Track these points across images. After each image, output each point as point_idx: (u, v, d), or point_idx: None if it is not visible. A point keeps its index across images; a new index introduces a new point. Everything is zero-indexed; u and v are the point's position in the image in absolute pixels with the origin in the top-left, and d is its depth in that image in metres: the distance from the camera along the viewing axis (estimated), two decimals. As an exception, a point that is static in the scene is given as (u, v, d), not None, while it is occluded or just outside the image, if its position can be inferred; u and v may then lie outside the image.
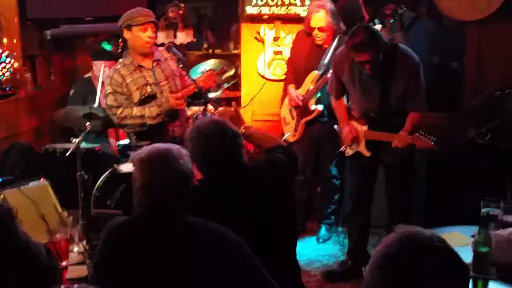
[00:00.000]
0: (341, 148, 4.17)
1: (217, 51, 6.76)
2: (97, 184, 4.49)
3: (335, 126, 4.23)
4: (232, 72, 5.54)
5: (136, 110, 3.91)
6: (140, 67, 3.97)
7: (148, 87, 3.95)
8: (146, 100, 3.94)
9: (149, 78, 3.97)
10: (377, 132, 3.97)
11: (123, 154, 4.81)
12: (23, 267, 1.85)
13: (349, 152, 4.14)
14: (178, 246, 2.00)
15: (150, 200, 2.07)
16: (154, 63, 4.02)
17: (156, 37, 4.06)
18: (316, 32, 4.55)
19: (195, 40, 6.24)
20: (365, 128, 4.02)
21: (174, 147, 2.17)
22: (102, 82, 4.83)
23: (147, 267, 1.99)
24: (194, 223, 2.06)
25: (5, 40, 5.24)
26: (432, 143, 3.69)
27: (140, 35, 3.90)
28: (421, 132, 3.75)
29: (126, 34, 3.94)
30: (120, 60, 4.06)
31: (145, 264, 2.00)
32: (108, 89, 3.95)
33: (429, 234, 1.30)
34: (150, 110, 3.91)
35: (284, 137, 4.69)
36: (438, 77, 5.22)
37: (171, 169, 2.08)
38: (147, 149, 2.16)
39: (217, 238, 2.04)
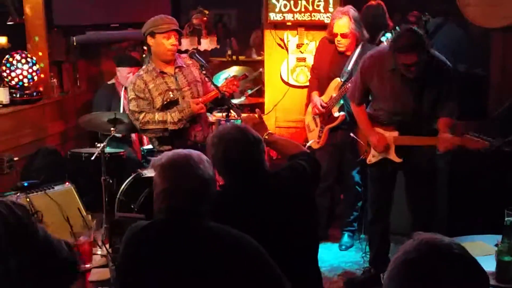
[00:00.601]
0: (362, 156, 4.14)
1: (241, 57, 6.80)
2: (122, 188, 4.54)
3: (352, 134, 4.22)
4: (257, 74, 5.57)
5: (158, 116, 3.96)
6: (162, 73, 4.02)
7: (170, 92, 3.99)
8: (168, 105, 4.00)
9: (171, 84, 4.02)
10: (409, 137, 3.94)
11: (147, 159, 4.85)
12: (42, 262, 1.89)
13: (372, 160, 4.10)
14: (196, 251, 2.00)
15: (170, 206, 2.08)
16: (177, 69, 4.07)
17: (179, 44, 4.11)
18: (338, 38, 4.56)
19: (218, 46, 6.28)
20: (395, 133, 3.97)
21: (194, 152, 2.18)
22: (125, 88, 4.89)
23: (165, 272, 1.99)
24: (214, 229, 2.07)
25: (32, 47, 5.34)
26: (487, 142, 3.63)
27: (163, 42, 3.95)
28: (471, 133, 3.73)
29: (150, 41, 4.00)
30: (143, 67, 4.13)
31: (163, 269, 2.00)
32: (131, 94, 4.02)
33: (449, 241, 1.30)
34: (172, 116, 3.95)
35: (308, 144, 4.69)
36: (463, 84, 5.16)
37: (191, 175, 2.09)
38: (167, 154, 2.17)
39: (236, 244, 2.04)
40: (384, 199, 4.20)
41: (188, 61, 4.15)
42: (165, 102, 3.98)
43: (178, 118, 3.95)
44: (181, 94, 4.04)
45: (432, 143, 3.87)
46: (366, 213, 4.54)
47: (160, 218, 2.11)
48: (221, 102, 4.15)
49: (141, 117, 3.97)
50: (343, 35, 4.54)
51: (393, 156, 4.00)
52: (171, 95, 3.99)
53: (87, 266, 2.85)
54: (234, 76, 4.41)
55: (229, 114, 4.31)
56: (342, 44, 4.57)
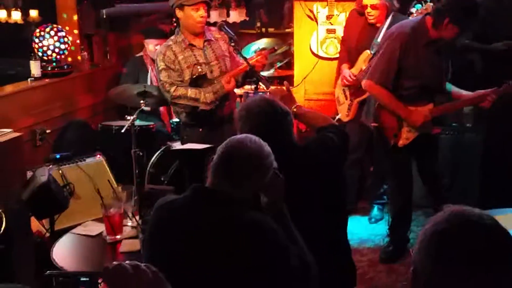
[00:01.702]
0: (393, 141, 4.01)
1: (270, 29, 6.73)
2: (151, 161, 4.58)
3: (373, 124, 4.11)
4: (286, 48, 5.53)
5: (191, 92, 3.94)
6: (191, 45, 4.01)
7: (199, 67, 3.98)
8: (196, 80, 3.97)
9: (199, 58, 4.00)
10: (444, 106, 3.98)
11: (176, 131, 4.88)
12: None
13: (405, 142, 3.99)
14: (214, 231, 2.00)
15: (210, 181, 2.08)
16: (205, 43, 4.05)
17: (208, 16, 4.09)
18: (368, 10, 4.48)
19: (248, 19, 6.23)
20: (430, 106, 3.92)
21: (256, 139, 2.12)
22: (153, 60, 4.89)
23: (185, 248, 2.01)
24: (235, 211, 2.04)
25: (63, 20, 5.37)
26: None
27: (192, 15, 3.93)
28: (506, 81, 3.78)
29: (178, 13, 3.97)
30: (171, 37, 4.10)
31: (183, 244, 2.02)
32: (161, 65, 4.00)
33: (479, 213, 1.28)
34: (206, 96, 3.92)
35: (337, 117, 4.66)
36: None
37: (235, 155, 2.06)
38: (234, 137, 2.14)
39: (254, 227, 2.01)
40: (411, 181, 4.21)
41: (217, 35, 4.12)
42: (193, 76, 3.97)
43: (211, 99, 3.93)
44: (209, 68, 4.02)
45: (468, 104, 3.92)
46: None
47: (186, 194, 2.12)
48: (250, 75, 4.13)
49: (172, 89, 3.96)
50: (373, 7, 4.46)
51: (432, 129, 3.99)
52: (200, 69, 3.98)
53: (118, 237, 2.89)
54: (263, 49, 4.38)
55: (258, 86, 4.30)
56: (372, 15, 4.49)
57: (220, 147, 2.11)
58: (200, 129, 4.06)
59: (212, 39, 4.08)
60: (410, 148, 4.03)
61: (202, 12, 3.94)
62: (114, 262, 1.24)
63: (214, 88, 3.94)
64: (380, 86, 3.91)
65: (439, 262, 1.23)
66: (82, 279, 1.91)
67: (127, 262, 1.25)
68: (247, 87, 5.03)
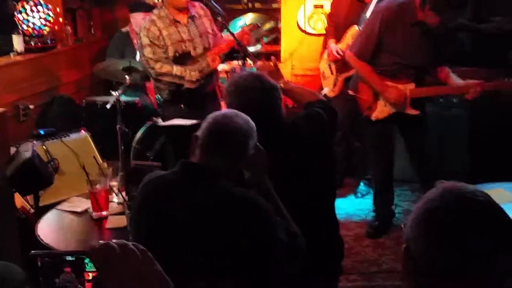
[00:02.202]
0: (365, 113, 4.06)
1: (257, 4, 6.67)
2: (137, 136, 4.55)
3: (350, 91, 4.14)
4: (271, 24, 5.47)
5: (176, 70, 3.87)
6: (175, 21, 3.92)
7: (183, 44, 3.91)
8: (180, 57, 3.91)
9: (183, 35, 3.93)
10: (426, 88, 3.95)
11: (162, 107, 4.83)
12: None
13: (379, 116, 4.03)
14: (204, 207, 1.99)
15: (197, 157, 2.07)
16: (189, 19, 3.97)
17: None
18: None
19: (235, -6, 6.17)
20: (411, 86, 3.91)
21: (241, 115, 2.11)
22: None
23: (174, 224, 2.00)
24: (222, 187, 2.03)
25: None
26: None
27: None
28: (503, 77, 3.76)
29: None
30: (154, 11, 4.00)
31: (172, 220, 2.01)
32: (145, 40, 3.91)
33: (472, 189, 1.26)
34: (191, 74, 3.87)
35: (322, 92, 4.63)
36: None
37: (223, 131, 2.06)
38: (219, 113, 2.13)
39: (246, 203, 2.01)
40: (391, 155, 4.23)
41: (200, 11, 4.05)
42: (177, 54, 3.90)
43: (197, 77, 3.87)
44: (192, 45, 3.95)
45: (452, 92, 3.88)
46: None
47: (175, 170, 2.10)
48: (237, 50, 4.08)
49: (157, 66, 3.88)
50: None
51: (409, 109, 3.95)
52: (184, 47, 3.91)
53: (104, 213, 2.87)
54: (252, 25, 4.33)
55: (245, 62, 4.25)
56: None
57: (206, 123, 2.10)
58: (182, 106, 4.00)
59: (196, 15, 4.01)
60: (389, 122, 4.05)
61: None
62: (101, 241, 1.21)
63: (200, 66, 3.88)
64: (359, 58, 3.96)
65: (433, 240, 1.21)
66: (68, 258, 1.88)
67: (114, 240, 1.22)
68: (234, 62, 4.99)
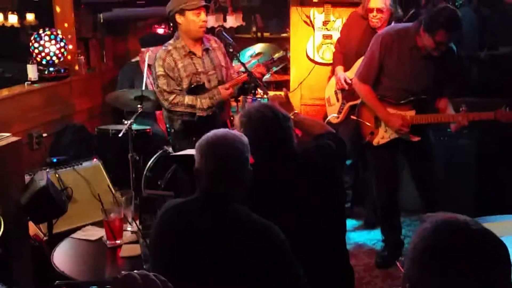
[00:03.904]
0: (367, 138, 4.09)
1: (266, 34, 6.76)
2: (148, 165, 4.60)
3: (353, 116, 4.19)
4: (280, 54, 5.54)
5: (188, 99, 3.88)
6: (191, 53, 3.95)
7: (197, 76, 3.93)
8: (194, 89, 3.93)
9: (198, 67, 3.94)
10: (426, 115, 3.96)
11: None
12: None
13: (381, 141, 4.07)
14: (221, 235, 2.04)
15: (202, 185, 2.12)
16: (204, 52, 4.00)
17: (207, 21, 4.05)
18: (374, 13, 4.48)
19: (244, 23, 6.26)
20: (412, 112, 3.96)
21: (232, 133, 2.20)
22: (149, 65, 4.90)
23: (190, 251, 2.05)
24: (239, 213, 2.09)
25: (59, 24, 5.37)
26: None
27: (193, 19, 3.86)
28: (505, 107, 3.76)
29: (179, 19, 3.89)
30: (170, 41, 3.99)
31: (189, 247, 2.05)
32: (160, 70, 3.90)
33: (464, 219, 1.31)
34: (202, 102, 3.88)
35: (327, 119, 4.67)
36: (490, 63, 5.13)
37: (223, 155, 2.12)
38: (206, 134, 2.19)
39: (260, 232, 2.06)
40: (395, 180, 4.25)
41: (214, 44, 4.08)
42: (192, 85, 3.92)
43: (208, 105, 3.88)
44: (207, 77, 3.97)
45: (451, 120, 3.94)
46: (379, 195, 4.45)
47: (193, 197, 2.15)
48: (248, 80, 4.11)
49: (171, 98, 3.88)
50: (379, 11, 4.46)
51: (410, 136, 3.99)
52: (198, 79, 3.94)
53: (118, 242, 2.90)
54: (258, 54, 4.39)
55: (257, 93, 4.30)
56: (377, 19, 4.49)
57: (206, 148, 2.14)
58: (194, 139, 4.02)
59: (210, 48, 4.05)
60: (392, 148, 4.09)
61: (203, 16, 3.89)
62: (123, 272, 1.25)
63: (211, 94, 3.90)
64: (363, 83, 4.04)
65: (438, 274, 1.25)
66: (91, 288, 1.91)
67: (135, 271, 1.27)
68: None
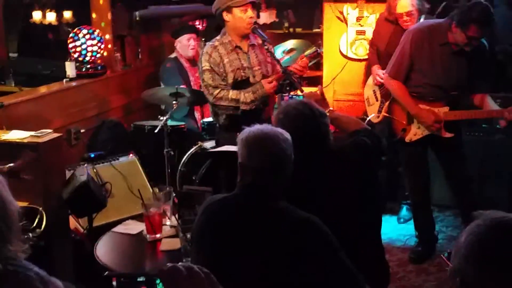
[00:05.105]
0: (400, 135, 4.10)
1: (298, 29, 6.76)
2: (183, 160, 4.66)
3: (385, 113, 4.19)
4: (313, 50, 5.55)
5: (232, 94, 3.92)
6: (237, 48, 3.98)
7: (242, 71, 3.97)
8: (239, 83, 3.97)
9: (244, 62, 3.98)
10: (460, 111, 3.96)
11: (207, 131, 4.95)
12: None
13: (413, 138, 4.08)
14: (264, 230, 2.07)
15: (245, 181, 2.16)
16: (250, 47, 4.03)
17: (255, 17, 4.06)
18: (404, 18, 4.48)
19: (277, 20, 6.28)
20: (445, 109, 3.96)
21: (277, 130, 2.22)
22: (188, 59, 4.89)
23: (233, 246, 2.09)
24: (283, 210, 2.12)
25: (97, 21, 5.47)
26: None
27: (241, 16, 3.87)
28: None
29: (226, 16, 3.90)
30: (217, 37, 4.02)
31: (231, 242, 2.10)
32: (206, 65, 3.93)
33: None
34: (245, 96, 3.90)
35: (368, 118, 4.68)
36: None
37: (269, 152, 2.15)
38: (250, 129, 2.23)
39: (304, 227, 2.09)
40: (427, 176, 4.26)
41: (259, 40, 4.08)
42: (236, 80, 3.95)
43: (251, 99, 3.90)
44: (252, 72, 4.00)
45: (486, 116, 3.97)
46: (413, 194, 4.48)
47: (235, 192, 2.19)
48: (284, 78, 4.12)
49: (215, 92, 3.91)
50: (408, 14, 4.46)
51: (443, 132, 3.98)
52: (243, 74, 3.97)
53: (158, 236, 2.96)
54: (291, 50, 4.39)
55: (291, 89, 4.32)
56: (409, 22, 4.48)
57: (253, 142, 2.17)
58: (238, 134, 4.05)
59: (256, 44, 4.08)
60: (424, 144, 4.10)
61: (250, 12, 3.89)
62: (169, 264, 1.30)
63: (254, 88, 3.92)
64: (394, 79, 4.04)
65: (495, 273, 1.26)
66: (139, 279, 1.98)
67: (180, 264, 1.32)
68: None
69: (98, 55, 5.21)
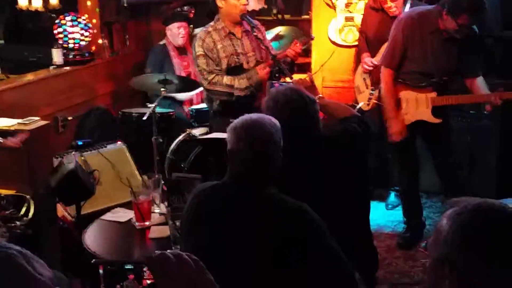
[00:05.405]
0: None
1: (287, 16, 6.72)
2: (171, 147, 4.64)
3: (374, 100, 4.20)
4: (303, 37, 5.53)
5: (226, 79, 3.96)
6: (231, 34, 4.02)
7: (236, 57, 3.99)
8: (232, 69, 3.99)
9: (237, 47, 4.02)
10: (447, 97, 3.98)
11: (195, 118, 4.93)
12: None
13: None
14: (254, 218, 2.07)
15: (234, 168, 2.16)
16: (243, 33, 4.07)
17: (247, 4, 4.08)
18: (389, 4, 4.45)
19: (266, 6, 6.23)
20: (433, 94, 3.98)
21: (265, 116, 2.22)
22: (176, 47, 4.83)
23: (222, 234, 2.09)
24: (274, 197, 2.12)
25: (83, 8, 5.42)
26: None
27: (235, 3, 3.94)
28: None
29: (220, 3, 3.97)
30: (211, 23, 4.08)
31: (221, 230, 2.09)
32: (199, 50, 4.00)
33: (499, 204, 1.32)
34: (240, 82, 3.95)
35: (358, 106, 4.68)
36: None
37: (256, 136, 2.14)
38: (241, 117, 2.22)
39: (296, 216, 2.09)
40: (415, 163, 4.29)
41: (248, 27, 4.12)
42: (230, 66, 3.99)
43: (245, 85, 3.95)
44: (246, 58, 4.04)
45: (474, 101, 4.06)
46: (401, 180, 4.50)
47: (225, 180, 2.18)
48: (273, 64, 4.13)
49: (210, 77, 3.96)
50: (392, 0, 4.45)
51: (430, 118, 4.01)
52: (236, 60, 4.00)
53: (147, 223, 2.96)
54: (279, 36, 4.37)
55: (281, 76, 4.32)
56: (394, 8, 4.46)
57: (240, 130, 2.17)
58: (231, 120, 4.05)
59: (249, 29, 4.09)
60: (412, 131, 4.11)
61: (243, 0, 3.95)
62: (157, 251, 1.30)
63: (248, 74, 3.96)
64: (387, 67, 4.06)
65: (483, 259, 1.26)
66: (127, 267, 1.98)
67: (169, 251, 1.31)
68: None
69: (83, 43, 5.15)
